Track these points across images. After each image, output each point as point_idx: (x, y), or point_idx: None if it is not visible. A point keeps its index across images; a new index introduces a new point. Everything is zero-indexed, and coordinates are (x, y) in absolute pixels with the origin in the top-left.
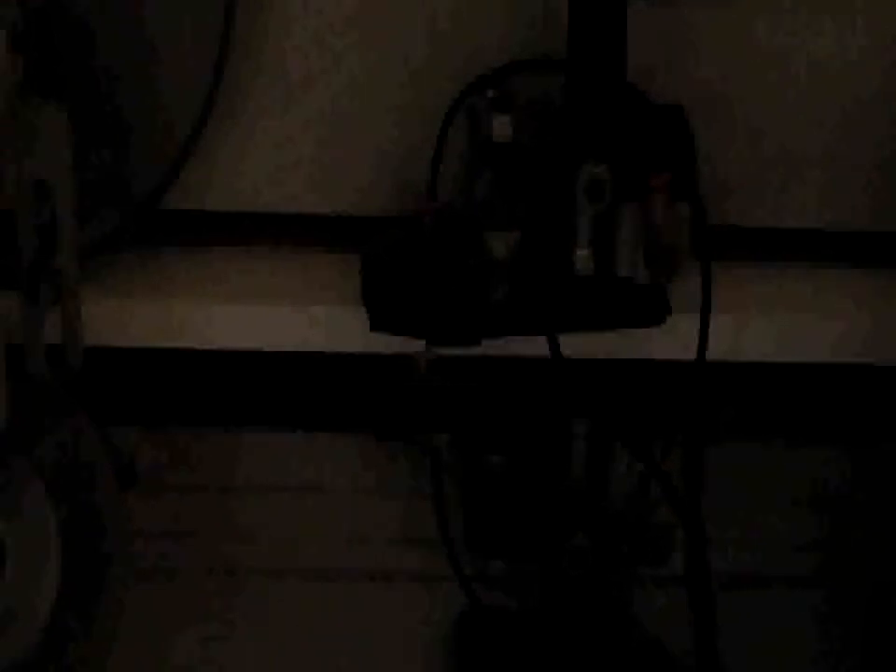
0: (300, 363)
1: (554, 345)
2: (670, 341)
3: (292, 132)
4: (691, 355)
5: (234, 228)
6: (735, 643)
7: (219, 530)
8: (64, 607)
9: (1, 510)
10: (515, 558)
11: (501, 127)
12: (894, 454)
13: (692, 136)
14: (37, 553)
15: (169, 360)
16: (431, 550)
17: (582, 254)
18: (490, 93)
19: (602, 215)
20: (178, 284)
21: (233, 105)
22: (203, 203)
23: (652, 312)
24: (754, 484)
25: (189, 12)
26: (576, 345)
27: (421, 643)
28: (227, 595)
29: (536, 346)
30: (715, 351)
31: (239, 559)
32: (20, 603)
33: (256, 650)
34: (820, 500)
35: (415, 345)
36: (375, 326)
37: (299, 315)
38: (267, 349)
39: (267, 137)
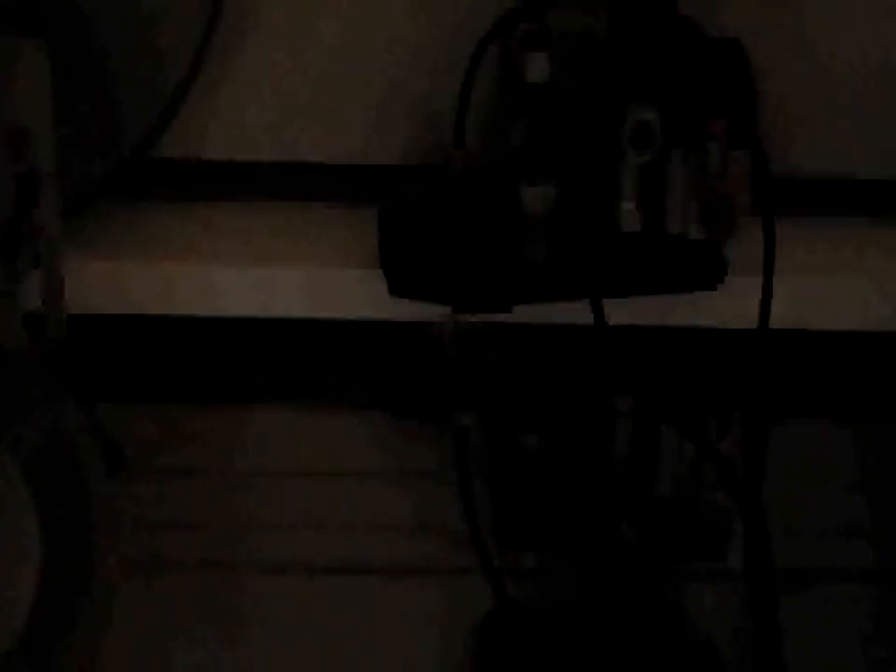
0: (308, 332)
1: (598, 312)
2: (727, 306)
3: (297, 71)
4: (751, 322)
5: (236, 179)
6: (798, 646)
7: (219, 519)
8: (47, 600)
9: None
10: (550, 550)
11: (537, 66)
12: None
13: (752, 75)
14: (16, 543)
15: (164, 329)
16: (455, 541)
17: (628, 208)
18: (524, 28)
19: (650, 164)
20: (173, 243)
21: (232, 43)
22: (199, 151)
23: (707, 273)
24: (817, 467)
25: None
26: (620, 311)
27: (443, 643)
28: (228, 591)
29: (575, 313)
30: (778, 318)
31: (241, 551)
32: None
33: (260, 651)
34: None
35: (439, 312)
36: (394, 290)
37: (308, 279)
38: (272, 316)
39: (270, 77)
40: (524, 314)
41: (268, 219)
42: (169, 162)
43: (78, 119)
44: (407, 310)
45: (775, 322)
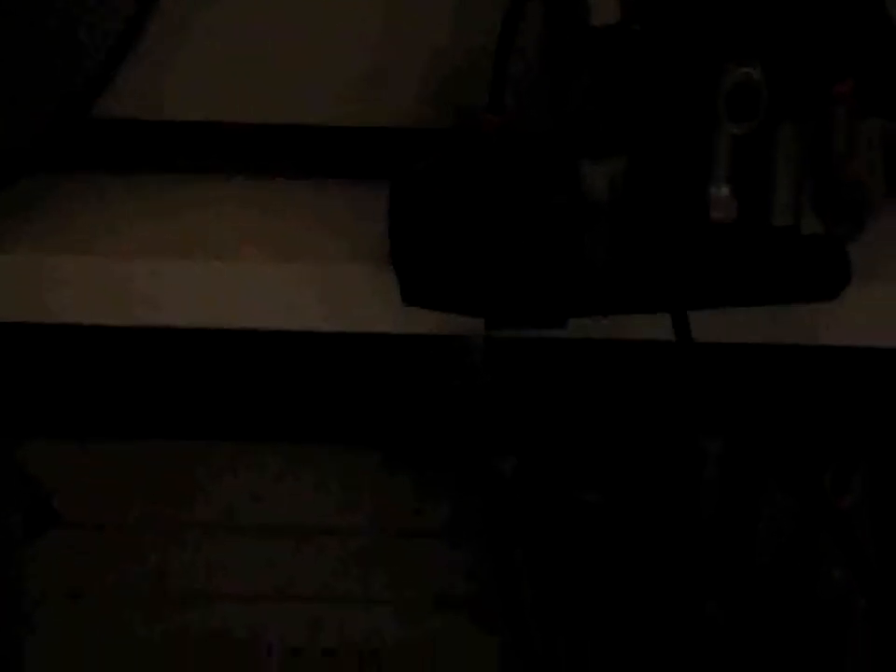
0: (289, 347)
1: (681, 327)
2: (849, 320)
3: (275, 6)
4: (884, 340)
5: (196, 145)
6: None
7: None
8: None
9: None
10: (614, 640)
11: (604, 4)
12: None
13: (889, 19)
14: None
15: (99, 342)
16: (483, 621)
17: (720, 193)
18: None
19: (752, 136)
20: (112, 228)
21: None
22: (150, 110)
23: (824, 279)
24: None
25: None
26: (705, 325)
27: None
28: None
29: (650, 327)
30: None
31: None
32: None
33: None
34: None
35: (467, 326)
36: (408, 297)
37: (288, 277)
38: (239, 327)
39: (240, 15)
40: (580, 328)
41: (232, 196)
42: (111, 124)
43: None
44: (424, 321)
45: None
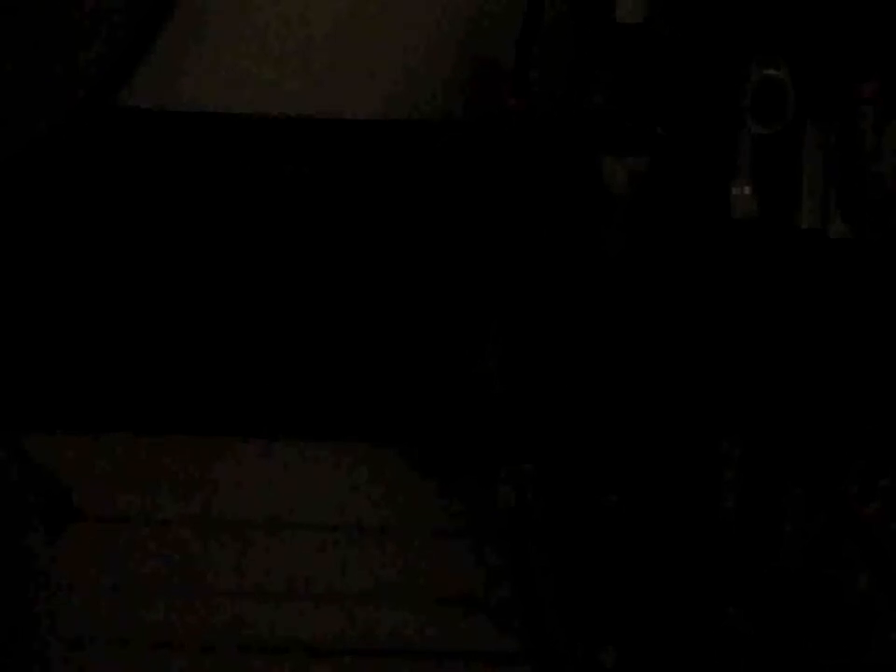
0: (311, 344)
1: (698, 323)
2: None
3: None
4: None
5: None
6: None
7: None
8: None
9: None
10: (634, 644)
11: (630, 2)
12: None
13: None
14: None
15: (118, 337)
16: (501, 625)
17: (743, 192)
18: None
19: (777, 136)
20: None
21: None
22: (177, 99)
23: (851, 280)
24: None
25: None
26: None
27: None
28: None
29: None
30: None
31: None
32: None
33: None
34: None
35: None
36: None
37: None
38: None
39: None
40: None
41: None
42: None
43: (15, 61)
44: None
45: None
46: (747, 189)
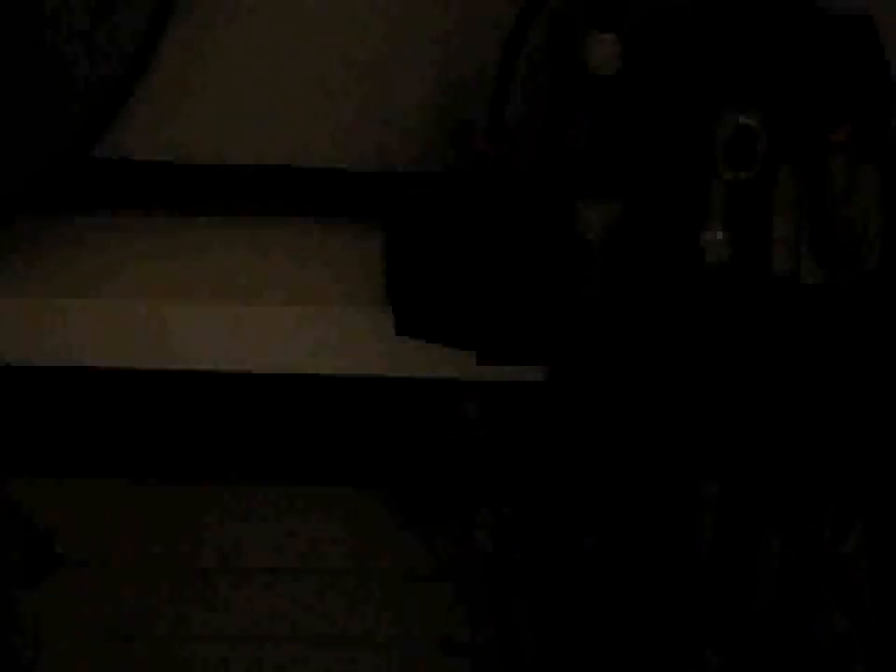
0: (287, 390)
1: (673, 367)
2: None
3: (269, 55)
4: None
5: (194, 186)
6: None
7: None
8: None
9: None
10: None
11: (603, 52)
12: None
13: (886, 65)
14: None
15: (102, 383)
16: (479, 667)
17: (715, 237)
18: None
19: (749, 182)
20: (111, 270)
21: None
22: (150, 150)
23: (824, 325)
24: None
25: None
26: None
27: None
28: None
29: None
30: None
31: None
32: None
33: None
34: None
35: (459, 363)
36: (402, 327)
37: (289, 318)
38: (239, 370)
39: (234, 62)
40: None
41: (237, 237)
42: (112, 164)
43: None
44: (414, 362)
45: None
46: (719, 234)
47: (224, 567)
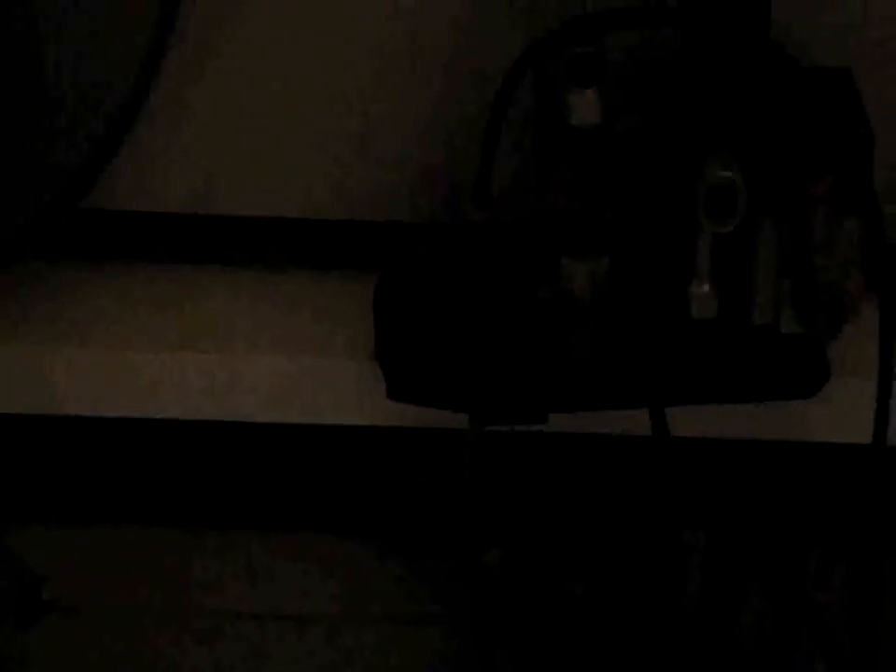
0: (280, 441)
1: (659, 422)
2: (830, 417)
3: (262, 109)
4: (861, 437)
5: (184, 237)
6: None
7: None
8: None
9: None
10: None
11: (584, 106)
12: None
13: (865, 117)
14: None
15: (93, 430)
16: None
17: (702, 291)
18: (570, 55)
19: (732, 235)
20: (100, 321)
21: (183, 68)
22: (139, 201)
23: (803, 377)
24: None
25: None
26: (687, 420)
27: None
28: None
29: (630, 422)
30: None
31: None
32: None
33: None
34: None
35: (453, 420)
36: (394, 392)
37: (279, 370)
38: (230, 419)
39: (226, 114)
40: (563, 422)
41: (231, 287)
42: (101, 215)
43: None
44: (410, 415)
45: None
46: (705, 288)
47: (213, 612)
